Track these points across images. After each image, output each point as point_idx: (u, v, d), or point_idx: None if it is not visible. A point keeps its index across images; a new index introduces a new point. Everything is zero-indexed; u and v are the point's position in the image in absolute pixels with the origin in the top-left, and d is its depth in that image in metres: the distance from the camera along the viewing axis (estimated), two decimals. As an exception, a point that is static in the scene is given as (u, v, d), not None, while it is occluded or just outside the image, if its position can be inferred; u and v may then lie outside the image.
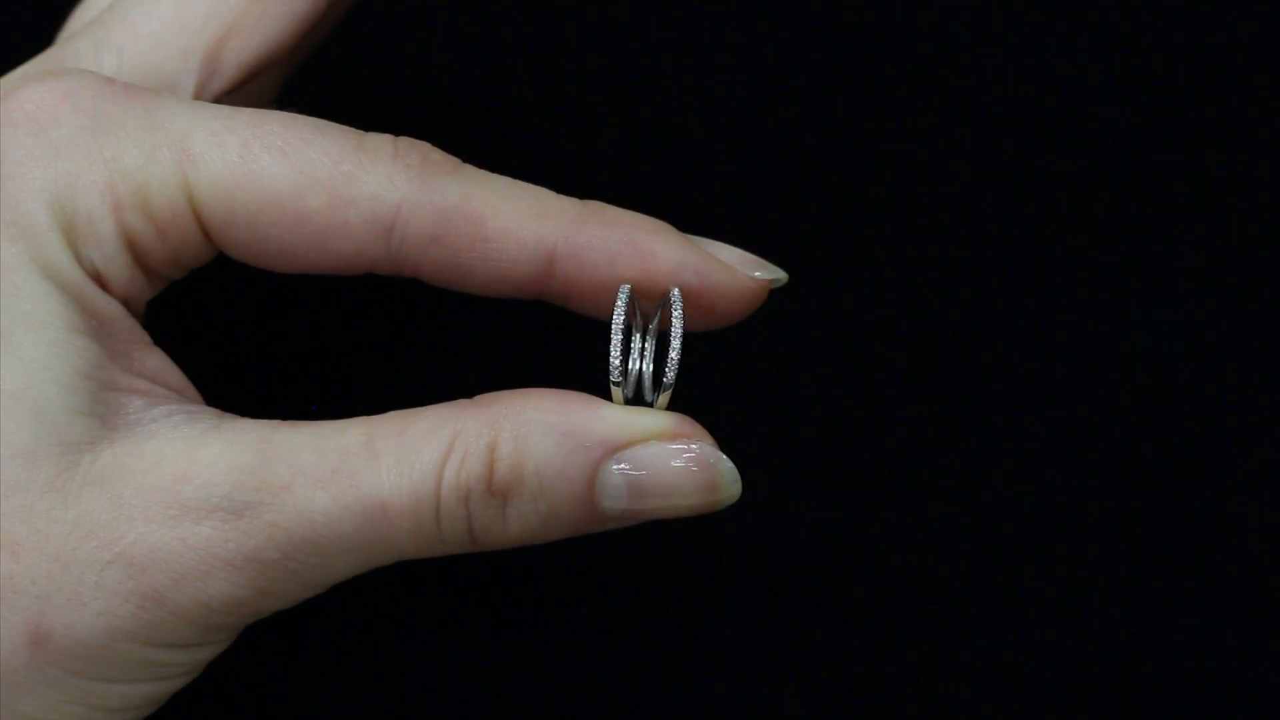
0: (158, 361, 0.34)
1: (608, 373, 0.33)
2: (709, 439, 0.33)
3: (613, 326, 0.32)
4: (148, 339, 0.34)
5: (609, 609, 0.41)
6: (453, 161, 0.34)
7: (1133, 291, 0.45)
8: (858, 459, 0.43)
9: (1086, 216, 0.45)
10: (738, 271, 0.35)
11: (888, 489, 0.43)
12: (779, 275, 0.35)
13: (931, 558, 0.42)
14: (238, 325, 0.42)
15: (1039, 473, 0.43)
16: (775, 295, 0.35)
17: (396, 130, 0.34)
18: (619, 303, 0.33)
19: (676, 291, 0.33)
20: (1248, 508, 0.43)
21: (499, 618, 0.41)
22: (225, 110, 0.34)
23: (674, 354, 0.32)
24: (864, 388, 0.44)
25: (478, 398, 0.33)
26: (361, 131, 0.34)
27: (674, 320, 0.33)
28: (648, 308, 0.34)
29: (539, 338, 0.42)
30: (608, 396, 0.33)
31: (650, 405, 0.33)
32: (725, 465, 0.33)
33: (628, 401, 0.33)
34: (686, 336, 0.33)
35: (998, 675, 0.41)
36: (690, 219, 0.36)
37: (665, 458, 0.33)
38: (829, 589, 0.42)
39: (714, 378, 0.42)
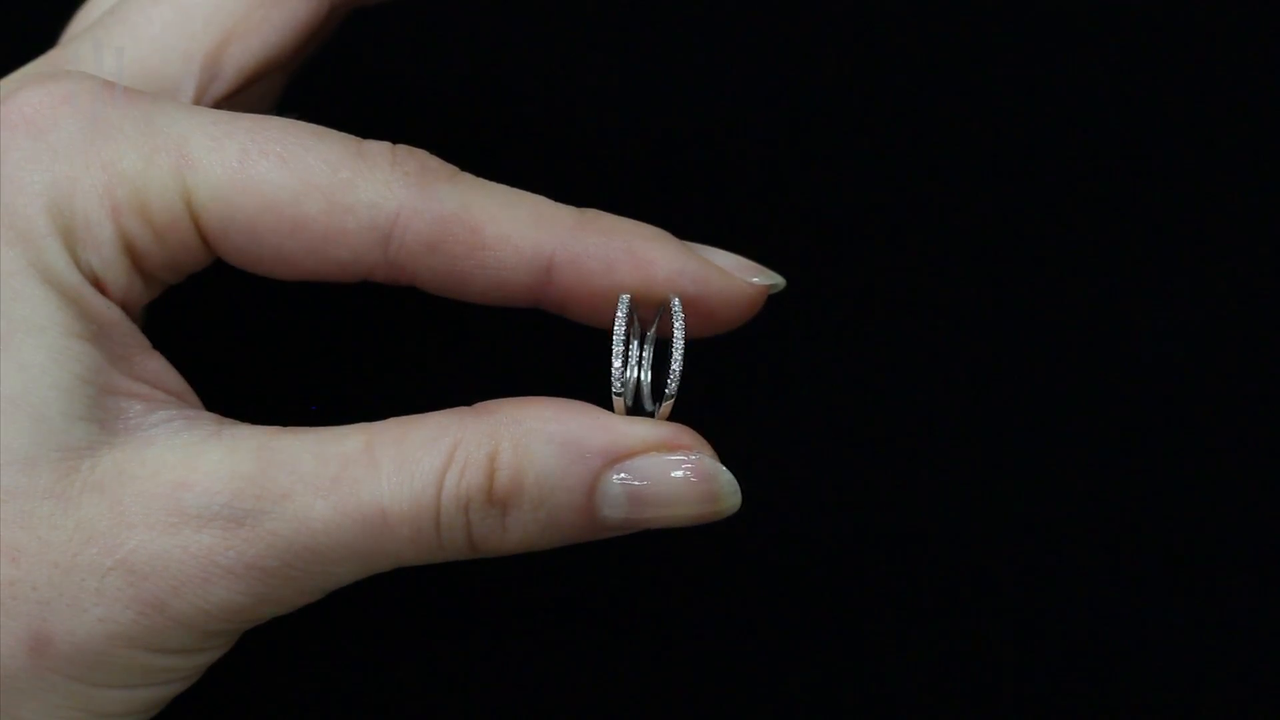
0: (157, 365, 0.34)
1: (608, 382, 0.33)
2: (709, 450, 0.33)
3: (614, 336, 0.33)
4: (147, 343, 0.34)
5: (608, 612, 0.42)
6: (451, 169, 0.34)
7: (1133, 292, 0.45)
8: (858, 464, 0.43)
9: (1087, 219, 0.46)
10: (735, 278, 0.35)
11: (888, 494, 0.43)
12: (776, 280, 0.36)
13: (932, 563, 0.42)
14: (236, 329, 0.42)
15: (1040, 477, 0.43)
16: (773, 301, 0.35)
17: (395, 137, 0.35)
18: (619, 313, 0.33)
19: (678, 302, 0.33)
20: (1248, 508, 0.43)
21: (497, 620, 0.41)
22: (224, 115, 0.34)
23: (676, 366, 0.32)
24: (864, 393, 0.44)
25: (477, 405, 0.33)
26: (360, 139, 0.34)
27: (675, 332, 0.33)
28: (646, 314, 0.34)
29: (537, 343, 0.42)
30: (606, 404, 0.33)
31: (650, 414, 0.33)
32: (725, 477, 0.33)
33: (628, 411, 0.33)
34: (686, 344, 0.33)
35: (997, 677, 0.42)
36: (688, 226, 0.36)
37: (665, 468, 0.33)
38: (828, 593, 0.42)
39: (712, 384, 0.42)
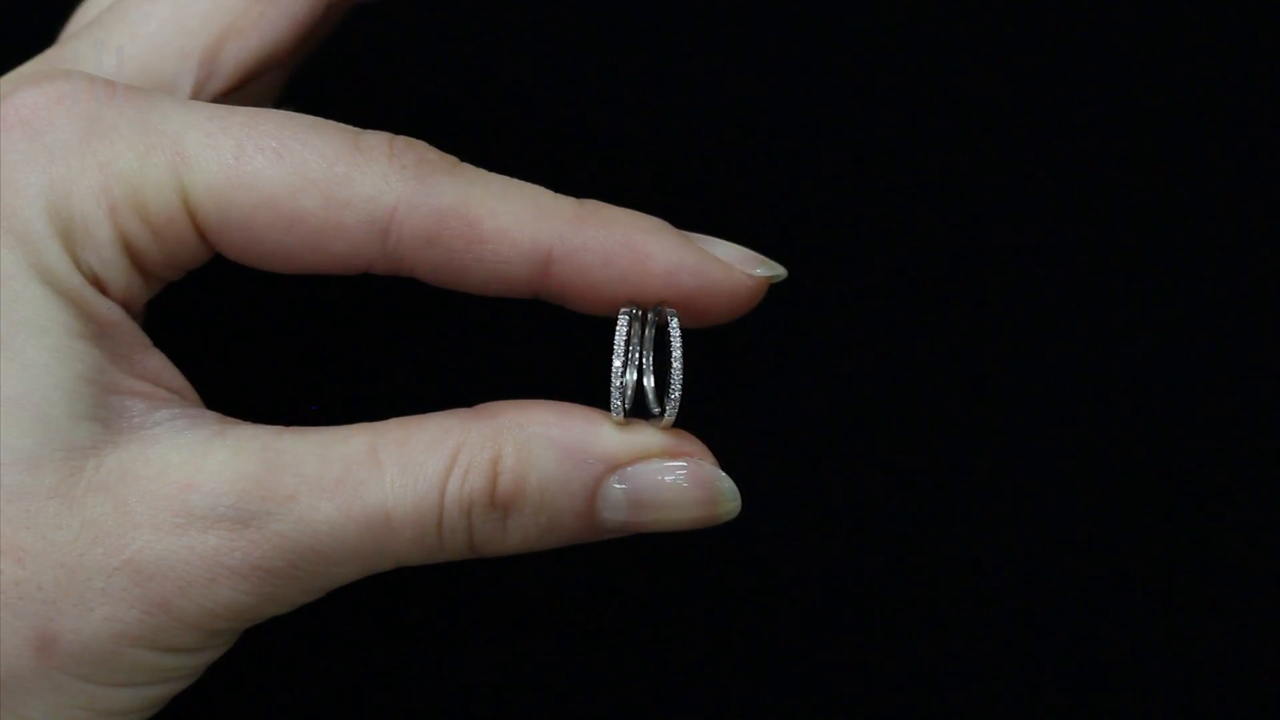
0: (158, 363, 0.34)
1: (609, 378, 0.33)
2: (709, 456, 0.34)
3: (614, 348, 0.33)
4: (148, 341, 0.34)
5: (608, 612, 0.42)
6: (449, 161, 0.34)
7: (1132, 292, 0.45)
8: (859, 465, 0.43)
9: (1087, 217, 0.46)
10: (735, 269, 0.34)
11: (888, 494, 0.43)
12: (777, 271, 0.35)
13: (934, 565, 0.42)
14: (236, 325, 0.42)
15: (1040, 477, 0.43)
16: (775, 298, 0.35)
17: (394, 128, 0.34)
18: (619, 325, 0.33)
19: (675, 323, 0.33)
20: (1248, 508, 0.43)
21: (496, 619, 0.42)
22: (220, 110, 0.34)
23: (675, 389, 0.33)
24: (865, 390, 0.44)
25: (479, 407, 0.33)
26: (358, 130, 0.34)
27: (673, 349, 0.33)
28: (648, 305, 0.34)
29: (538, 334, 0.42)
30: (606, 403, 0.33)
31: (651, 417, 0.34)
32: (725, 483, 0.33)
33: (629, 414, 0.33)
34: (686, 339, 0.33)
35: (997, 678, 0.42)
36: (689, 216, 0.36)
37: (665, 475, 0.33)
38: (828, 595, 0.42)
39: (711, 380, 0.42)
